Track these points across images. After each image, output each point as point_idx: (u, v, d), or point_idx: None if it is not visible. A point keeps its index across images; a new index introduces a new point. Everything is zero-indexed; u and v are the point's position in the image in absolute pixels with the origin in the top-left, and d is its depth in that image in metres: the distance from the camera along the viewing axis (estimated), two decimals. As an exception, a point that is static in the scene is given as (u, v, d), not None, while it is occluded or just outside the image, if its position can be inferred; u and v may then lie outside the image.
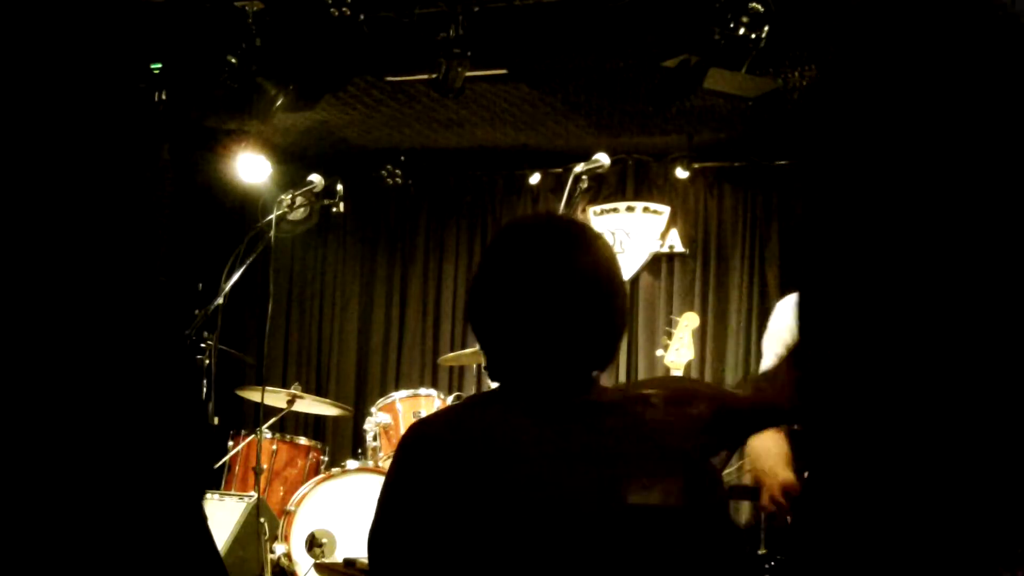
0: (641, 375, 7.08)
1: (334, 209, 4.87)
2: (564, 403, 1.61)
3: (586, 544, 1.51)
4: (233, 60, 5.08)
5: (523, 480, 1.53)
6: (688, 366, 5.35)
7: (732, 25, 4.46)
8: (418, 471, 1.55)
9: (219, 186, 7.39)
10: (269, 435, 5.54)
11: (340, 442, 7.28)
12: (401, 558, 1.54)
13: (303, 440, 5.84)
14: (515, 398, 1.63)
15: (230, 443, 5.69)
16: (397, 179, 7.44)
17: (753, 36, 4.48)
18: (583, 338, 1.63)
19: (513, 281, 1.62)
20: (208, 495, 4.65)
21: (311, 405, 5.97)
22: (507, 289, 1.63)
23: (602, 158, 3.93)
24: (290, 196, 4.38)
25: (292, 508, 5.04)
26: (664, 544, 1.55)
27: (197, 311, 3.89)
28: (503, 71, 5.74)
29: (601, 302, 1.64)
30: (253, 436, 5.43)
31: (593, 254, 1.65)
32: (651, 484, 1.57)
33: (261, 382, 5.18)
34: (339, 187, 4.78)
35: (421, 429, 1.62)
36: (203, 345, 3.96)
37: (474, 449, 1.55)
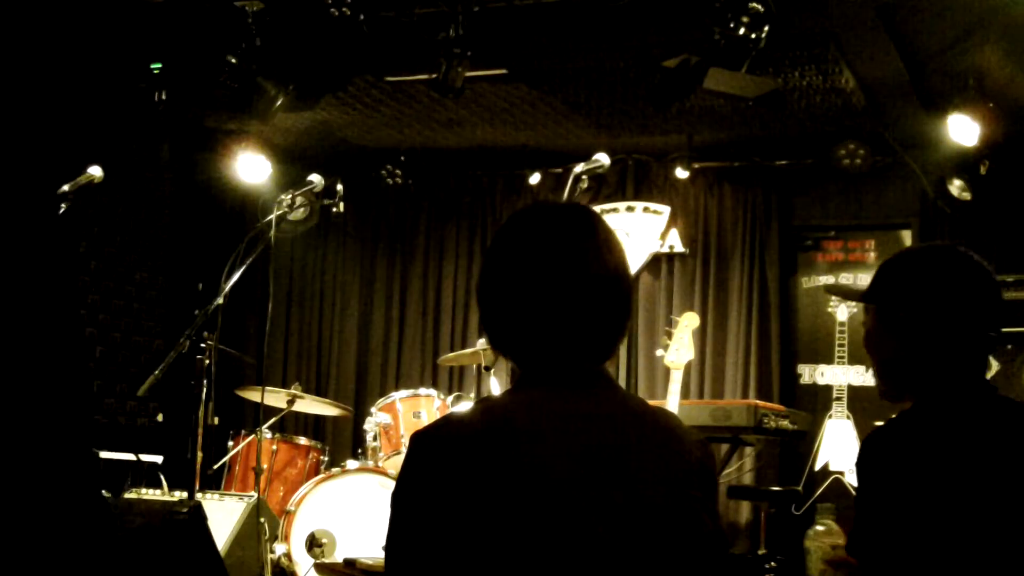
0: (641, 375, 7.08)
1: (334, 209, 4.87)
2: (588, 392, 1.62)
3: (612, 533, 1.51)
4: (233, 60, 5.08)
5: (549, 475, 1.52)
6: (688, 366, 5.35)
7: (732, 25, 4.46)
8: (438, 475, 1.54)
9: (219, 186, 7.39)
10: (269, 435, 5.54)
11: (340, 442, 7.28)
12: (424, 565, 1.53)
13: (303, 440, 5.84)
14: (530, 393, 1.63)
15: (230, 443, 5.69)
16: (397, 179, 7.44)
17: (753, 36, 4.48)
18: (597, 331, 1.65)
19: (537, 271, 1.63)
20: (208, 495, 4.65)
21: (311, 405, 5.97)
22: (532, 277, 1.63)
23: (602, 158, 3.93)
24: (290, 196, 4.38)
25: (292, 508, 5.04)
26: (675, 535, 1.57)
27: (197, 311, 3.88)
28: (503, 71, 5.74)
29: (620, 296, 1.66)
30: (253, 436, 5.43)
31: (616, 249, 1.67)
32: (672, 477, 1.58)
33: (261, 382, 5.18)
34: (339, 187, 4.78)
35: (433, 433, 1.60)
36: (203, 345, 3.96)
37: (488, 454, 1.53)
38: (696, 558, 1.59)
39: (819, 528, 2.22)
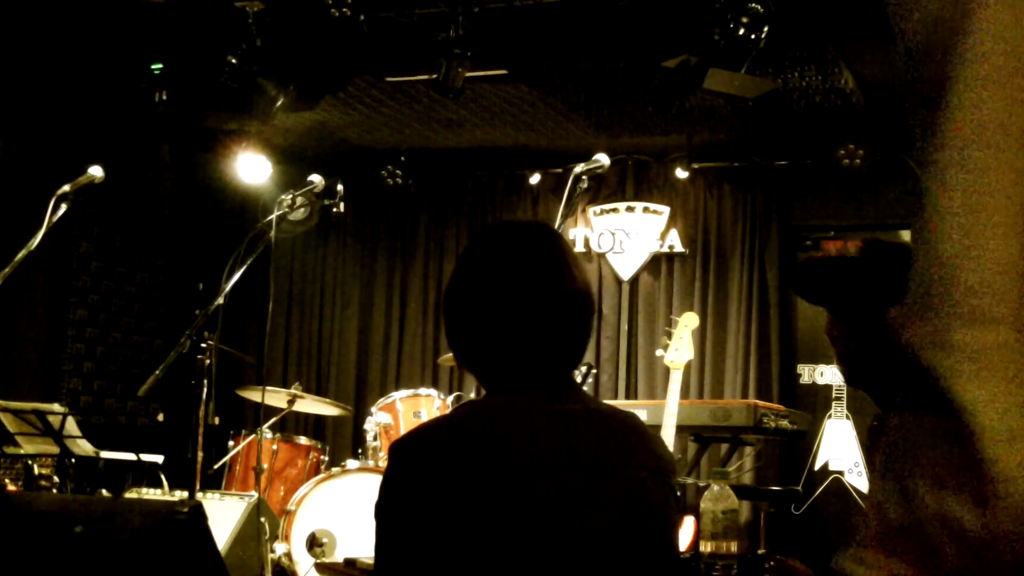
0: (641, 375, 7.09)
1: (334, 209, 4.87)
2: (561, 395, 1.65)
3: (593, 540, 1.53)
4: (233, 60, 5.08)
5: (529, 480, 1.53)
6: (688, 366, 5.35)
7: (732, 25, 4.47)
8: (421, 483, 1.54)
9: (219, 186, 7.39)
10: (269, 435, 5.55)
11: (340, 442, 7.28)
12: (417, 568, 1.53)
13: (303, 440, 5.85)
14: (507, 398, 1.64)
15: (230, 443, 5.69)
16: (397, 179, 7.45)
17: (753, 36, 4.48)
18: (568, 344, 1.69)
19: (502, 294, 1.66)
20: (209, 495, 4.65)
21: (311, 405, 5.98)
22: (497, 301, 1.66)
23: (602, 158, 3.93)
24: (290, 196, 4.38)
25: (292, 508, 5.05)
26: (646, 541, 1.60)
27: (197, 311, 3.88)
28: (503, 71, 5.74)
29: (585, 314, 1.70)
30: (253, 436, 5.43)
31: (579, 264, 1.73)
32: (648, 483, 1.61)
33: (261, 382, 5.18)
34: (339, 187, 4.78)
35: (415, 440, 1.60)
36: (203, 345, 3.96)
37: (474, 453, 1.54)
38: (675, 547, 1.64)
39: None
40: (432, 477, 1.53)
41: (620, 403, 6.01)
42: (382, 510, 1.57)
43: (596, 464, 1.57)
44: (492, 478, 1.52)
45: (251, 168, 6.81)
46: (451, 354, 6.76)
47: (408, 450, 1.58)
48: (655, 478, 1.61)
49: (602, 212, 7.23)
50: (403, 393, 5.75)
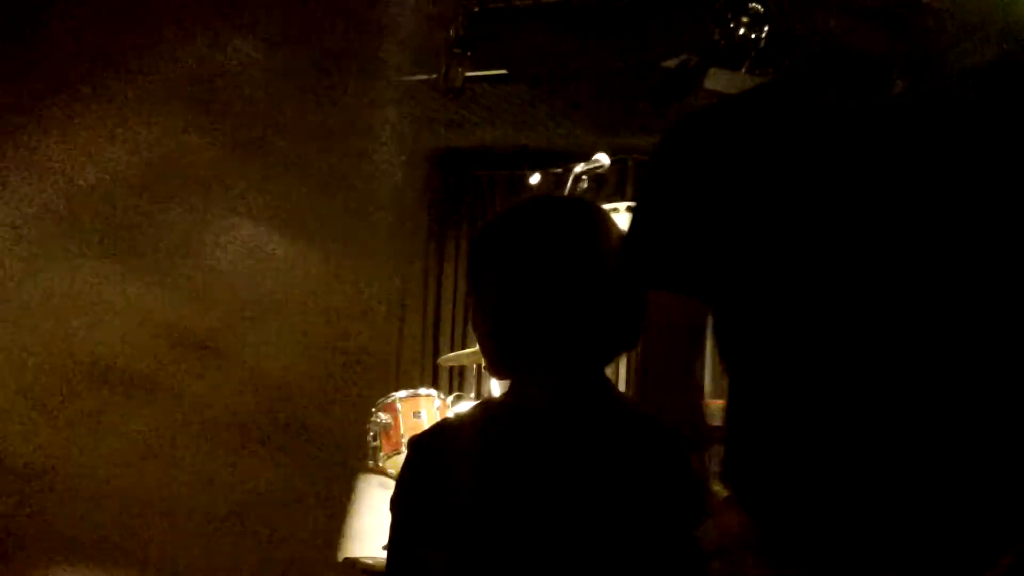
0: (641, 375, 7.09)
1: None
2: (577, 400, 1.60)
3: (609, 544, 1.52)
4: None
5: (540, 484, 1.52)
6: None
7: (732, 25, 4.47)
8: (437, 479, 1.54)
9: (219, 186, 7.39)
10: (269, 435, 5.54)
11: (340, 442, 7.28)
12: (426, 571, 1.53)
13: (303, 440, 5.84)
14: (523, 398, 1.62)
15: (230, 443, 5.69)
16: (397, 179, 7.45)
17: (753, 36, 4.48)
18: (590, 329, 1.58)
19: (513, 272, 1.56)
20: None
21: (311, 405, 5.97)
22: (510, 279, 1.56)
23: (602, 158, 3.94)
24: (290, 196, 4.38)
25: (292, 508, 5.04)
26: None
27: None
28: (503, 71, 5.75)
29: (606, 297, 1.59)
30: (253, 436, 5.43)
31: (602, 250, 1.60)
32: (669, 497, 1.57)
33: (261, 382, 5.17)
34: (339, 187, 4.78)
35: (433, 436, 1.60)
36: (203, 345, 3.96)
37: (487, 454, 1.54)
38: (690, 552, 1.61)
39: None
40: (445, 475, 1.53)
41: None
42: (395, 504, 1.57)
43: (609, 468, 1.55)
44: (503, 480, 1.51)
45: (251, 168, 6.80)
46: (452, 354, 6.78)
47: (425, 447, 1.58)
48: (670, 483, 1.57)
49: (602, 212, 7.23)
50: (403, 393, 5.74)
